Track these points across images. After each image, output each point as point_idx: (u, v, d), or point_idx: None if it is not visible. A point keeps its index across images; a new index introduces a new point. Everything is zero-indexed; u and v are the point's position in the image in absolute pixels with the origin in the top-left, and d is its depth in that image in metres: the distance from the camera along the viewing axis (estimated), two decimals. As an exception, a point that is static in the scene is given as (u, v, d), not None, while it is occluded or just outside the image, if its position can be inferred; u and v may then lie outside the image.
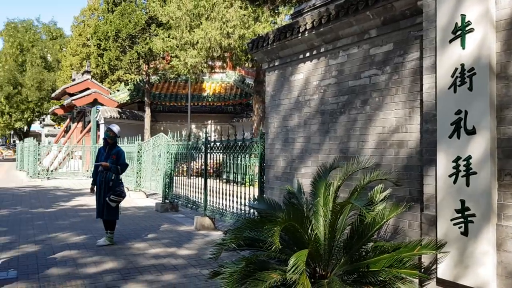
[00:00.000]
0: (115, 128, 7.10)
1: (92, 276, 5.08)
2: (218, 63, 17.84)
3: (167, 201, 10.38)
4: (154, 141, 12.14)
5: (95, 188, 7.01)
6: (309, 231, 3.45)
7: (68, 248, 6.43)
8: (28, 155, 21.07)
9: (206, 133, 8.45)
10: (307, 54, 5.48)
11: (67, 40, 43.01)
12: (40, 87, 41.25)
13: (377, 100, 4.45)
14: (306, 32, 5.27)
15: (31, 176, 19.73)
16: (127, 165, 7.23)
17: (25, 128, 49.32)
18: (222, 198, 7.54)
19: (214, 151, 8.05)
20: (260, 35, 6.68)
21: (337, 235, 3.63)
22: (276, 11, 13.55)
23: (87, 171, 19.93)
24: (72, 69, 33.51)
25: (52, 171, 20.46)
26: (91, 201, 10.81)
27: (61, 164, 21.36)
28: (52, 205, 11.17)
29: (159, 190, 11.29)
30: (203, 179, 8.32)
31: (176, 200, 10.02)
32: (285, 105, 5.90)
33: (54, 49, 45.00)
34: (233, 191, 7.16)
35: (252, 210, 6.49)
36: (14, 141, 59.65)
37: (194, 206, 8.71)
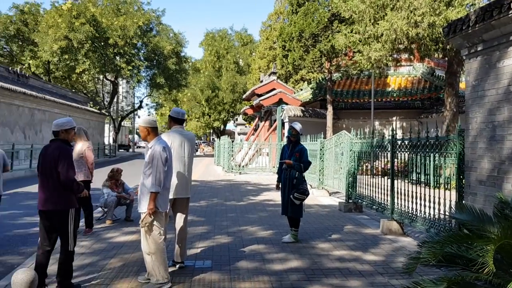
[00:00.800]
0: (297, 126, 7.14)
1: (278, 274, 5.13)
2: (404, 56, 16.81)
3: (350, 201, 10.10)
4: (336, 139, 11.98)
5: (280, 185, 7.18)
6: (532, 252, 2.77)
7: (256, 242, 6.71)
8: (224, 151, 23.29)
9: (392, 130, 7.88)
10: (522, 34, 4.54)
11: (256, 45, 46.68)
12: (233, 90, 45.99)
13: None
14: (521, 7, 4.35)
15: (226, 171, 21.74)
16: (310, 163, 7.19)
17: (222, 127, 55.42)
18: (412, 202, 6.89)
19: (402, 149, 7.44)
20: (456, 19, 5.84)
21: None
22: (474, -9, 11.99)
23: (273, 167, 21.00)
24: (260, 71, 36.04)
25: (243, 166, 22.20)
26: (277, 197, 11.22)
27: (251, 160, 23.02)
28: (243, 199, 12.01)
29: (341, 189, 11.08)
30: (389, 180, 7.79)
31: (359, 200, 9.66)
32: (491, 97, 5.01)
33: (245, 54, 49.54)
34: (424, 194, 6.47)
35: (449, 218, 5.74)
36: (213, 139, 67.39)
37: (379, 208, 8.23)
